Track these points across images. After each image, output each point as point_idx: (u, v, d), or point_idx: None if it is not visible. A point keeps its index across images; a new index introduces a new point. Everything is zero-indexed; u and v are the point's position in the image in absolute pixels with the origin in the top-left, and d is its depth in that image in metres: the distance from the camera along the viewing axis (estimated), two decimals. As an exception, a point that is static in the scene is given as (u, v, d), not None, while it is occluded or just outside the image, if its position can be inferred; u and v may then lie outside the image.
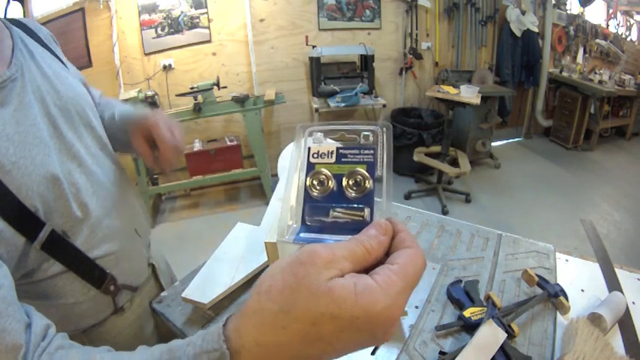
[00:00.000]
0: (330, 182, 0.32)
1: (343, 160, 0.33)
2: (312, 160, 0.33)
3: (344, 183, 0.32)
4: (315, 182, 0.32)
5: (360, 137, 0.34)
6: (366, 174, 0.32)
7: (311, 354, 0.26)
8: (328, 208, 0.31)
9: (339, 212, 0.31)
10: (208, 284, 0.73)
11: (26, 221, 0.50)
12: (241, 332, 0.27)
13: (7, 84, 0.52)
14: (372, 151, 0.32)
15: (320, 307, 0.25)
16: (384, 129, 0.33)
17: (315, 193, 0.32)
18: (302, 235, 0.31)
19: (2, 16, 0.62)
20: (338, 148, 0.33)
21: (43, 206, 0.52)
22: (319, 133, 0.34)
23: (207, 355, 0.28)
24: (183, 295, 0.71)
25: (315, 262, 0.26)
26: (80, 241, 0.58)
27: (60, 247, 0.55)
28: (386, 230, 0.29)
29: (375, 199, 0.31)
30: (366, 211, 0.31)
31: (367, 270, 0.27)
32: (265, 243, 0.60)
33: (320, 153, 0.33)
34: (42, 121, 0.55)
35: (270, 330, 0.26)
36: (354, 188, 0.32)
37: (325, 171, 0.32)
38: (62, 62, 0.69)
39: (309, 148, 0.33)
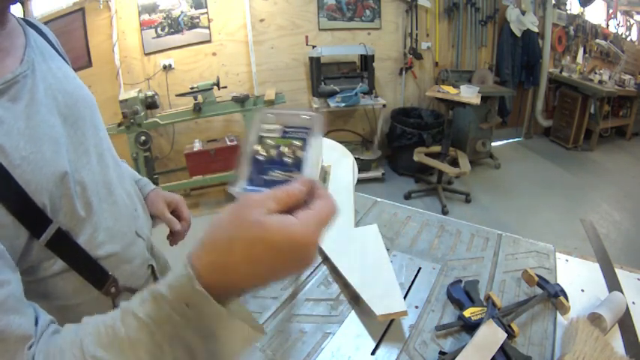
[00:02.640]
0: (272, 150, 0.41)
1: (286, 136, 0.42)
2: (262, 134, 0.42)
3: (283, 150, 0.41)
4: (261, 148, 0.41)
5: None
6: (300, 145, 0.41)
7: (256, 273, 0.34)
8: (270, 170, 0.40)
9: (278, 173, 0.40)
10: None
11: (34, 217, 0.50)
12: (200, 259, 0.34)
13: (20, 79, 0.53)
14: (307, 130, 0.42)
15: (253, 233, 0.32)
16: (318, 116, 0.44)
17: (261, 158, 0.41)
18: (247, 187, 0.40)
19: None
20: (283, 127, 0.42)
21: (51, 203, 0.52)
22: (270, 115, 0.44)
23: (178, 280, 0.34)
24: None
25: (249, 204, 0.34)
26: (83, 240, 0.57)
27: (64, 246, 0.55)
28: (304, 183, 0.37)
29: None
30: (297, 173, 0.39)
31: (291, 213, 0.35)
32: None
33: (269, 129, 0.43)
34: (53, 118, 0.56)
35: (221, 253, 0.34)
36: (290, 156, 0.41)
37: (270, 141, 0.41)
38: (68, 64, 0.70)
39: (262, 125, 0.43)
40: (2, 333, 0.38)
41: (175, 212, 0.83)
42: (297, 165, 0.40)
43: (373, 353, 0.62)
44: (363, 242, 0.84)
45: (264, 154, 0.41)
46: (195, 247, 0.36)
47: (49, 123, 0.55)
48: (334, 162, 1.17)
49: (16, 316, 0.39)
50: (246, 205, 0.34)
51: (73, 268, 0.57)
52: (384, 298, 0.67)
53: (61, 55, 0.69)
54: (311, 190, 0.37)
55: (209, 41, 2.98)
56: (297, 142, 0.41)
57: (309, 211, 0.35)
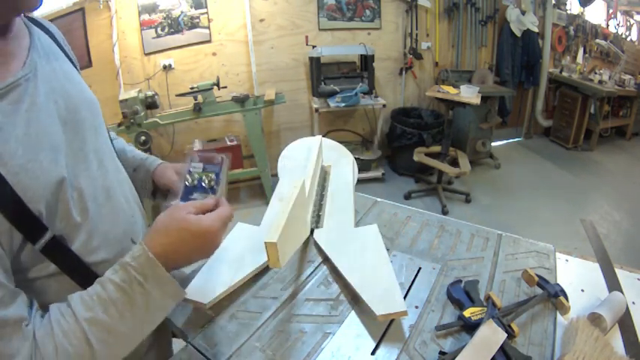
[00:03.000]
0: (195, 180, 0.65)
1: (206, 170, 0.66)
2: (190, 169, 0.66)
3: (203, 180, 0.65)
4: (189, 178, 0.65)
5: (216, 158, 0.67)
6: (214, 177, 0.65)
7: (183, 250, 0.55)
8: (194, 191, 0.64)
9: (197, 195, 0.64)
10: (208, 284, 0.73)
11: (29, 224, 0.50)
12: (152, 241, 0.54)
13: (22, 82, 0.52)
14: (219, 167, 0.66)
15: (181, 224, 0.55)
16: (225, 157, 0.67)
17: (189, 184, 0.65)
18: (179, 202, 0.62)
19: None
20: (204, 165, 0.66)
21: (47, 210, 0.52)
22: (197, 156, 0.67)
23: (137, 252, 0.53)
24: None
25: (179, 207, 0.57)
26: (76, 245, 0.57)
27: (58, 252, 0.55)
28: (214, 200, 0.61)
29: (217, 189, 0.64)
30: (211, 195, 0.63)
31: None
32: (265, 243, 0.60)
33: (195, 166, 0.66)
34: (53, 123, 0.56)
35: (161, 237, 0.54)
36: (206, 183, 0.64)
37: (195, 174, 0.65)
38: (73, 64, 0.70)
39: (191, 163, 0.67)
40: (16, 322, 0.46)
41: None
42: (212, 189, 0.64)
43: (373, 353, 0.62)
44: (363, 242, 0.84)
45: (191, 182, 0.65)
46: (146, 234, 0.56)
47: (49, 129, 0.54)
48: (334, 162, 1.17)
49: (11, 306, 0.47)
50: (177, 209, 0.57)
51: (65, 273, 0.57)
52: (384, 298, 0.67)
53: (67, 54, 0.69)
54: (217, 203, 0.60)
55: (209, 41, 2.98)
56: (211, 175, 0.65)
57: (214, 212, 0.58)
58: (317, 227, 0.91)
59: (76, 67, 0.70)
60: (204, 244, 0.56)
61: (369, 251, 0.81)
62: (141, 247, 0.52)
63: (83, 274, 0.58)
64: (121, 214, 0.67)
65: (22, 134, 0.50)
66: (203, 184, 0.64)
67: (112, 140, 0.76)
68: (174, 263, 0.55)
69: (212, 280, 0.74)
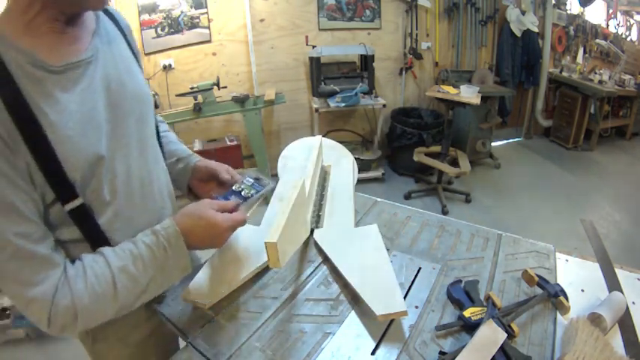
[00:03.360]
0: (240, 188, 0.78)
1: (253, 185, 0.80)
2: (244, 180, 0.81)
3: (245, 191, 0.78)
4: (238, 185, 0.79)
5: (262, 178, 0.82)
6: (253, 193, 0.78)
7: (199, 234, 0.66)
8: (232, 195, 0.77)
9: (234, 198, 0.75)
10: (208, 284, 0.73)
11: (63, 188, 0.56)
12: (179, 219, 0.66)
13: (82, 64, 0.59)
14: (262, 188, 0.80)
15: (201, 213, 0.66)
16: (272, 187, 0.83)
17: (234, 188, 0.78)
18: (219, 197, 0.75)
19: None
20: (253, 182, 0.81)
21: (81, 180, 0.58)
22: (254, 174, 0.83)
23: (167, 224, 0.65)
24: (183, 295, 0.72)
25: (204, 202, 0.69)
26: (102, 220, 0.63)
27: (84, 219, 0.61)
28: (233, 204, 0.72)
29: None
30: (243, 203, 0.75)
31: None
32: (265, 243, 0.60)
33: (248, 180, 0.81)
34: (102, 106, 0.61)
35: (187, 219, 0.66)
36: (246, 195, 0.77)
37: (243, 185, 0.79)
38: (135, 57, 0.75)
39: (247, 177, 0.82)
40: (45, 257, 0.55)
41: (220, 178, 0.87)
42: (245, 199, 0.76)
43: (373, 353, 0.62)
44: (363, 242, 0.84)
45: (237, 188, 0.78)
46: (176, 214, 0.68)
47: (98, 110, 0.60)
48: (334, 162, 1.17)
49: (42, 243, 0.55)
50: (204, 202, 0.69)
51: (87, 241, 0.62)
52: (384, 298, 0.67)
53: (131, 46, 0.74)
54: (235, 208, 0.72)
55: (209, 41, 2.98)
56: (253, 190, 0.78)
57: (230, 214, 0.69)
58: (317, 227, 0.91)
59: (137, 61, 0.75)
60: (214, 235, 0.66)
61: (369, 251, 0.81)
62: (171, 221, 0.65)
63: (103, 246, 0.63)
64: (150, 205, 0.72)
65: (75, 110, 0.56)
66: (242, 193, 0.77)
67: (158, 133, 0.81)
68: (189, 242, 0.65)
69: (212, 280, 0.74)
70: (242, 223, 0.69)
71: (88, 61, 0.60)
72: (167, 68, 2.92)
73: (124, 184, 0.65)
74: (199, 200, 0.71)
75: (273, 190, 0.81)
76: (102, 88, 0.61)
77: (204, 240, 0.66)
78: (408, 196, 3.15)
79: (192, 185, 0.87)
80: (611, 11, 4.53)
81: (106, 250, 0.61)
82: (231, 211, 0.70)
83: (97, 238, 0.62)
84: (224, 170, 0.84)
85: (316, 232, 0.89)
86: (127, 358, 0.78)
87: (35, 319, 0.55)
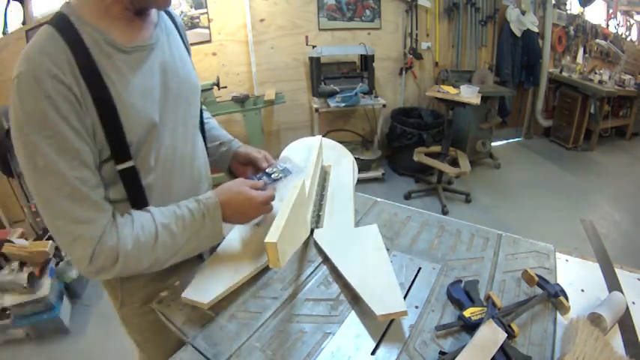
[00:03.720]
0: (272, 170, 0.89)
1: (283, 170, 0.90)
2: (277, 164, 0.92)
3: (275, 174, 0.88)
4: (272, 168, 0.90)
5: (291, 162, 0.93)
6: (282, 176, 0.88)
7: (235, 207, 0.76)
8: (264, 176, 0.88)
9: (265, 178, 0.87)
10: (208, 284, 0.73)
11: (120, 149, 0.66)
12: (219, 192, 0.76)
13: (146, 49, 0.70)
14: (290, 173, 0.90)
15: (239, 188, 0.77)
16: (298, 172, 0.92)
17: (268, 170, 0.90)
18: (252, 177, 0.87)
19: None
20: (285, 167, 0.91)
21: (136, 144, 0.68)
22: (288, 160, 0.94)
23: (208, 194, 0.75)
24: (183, 295, 0.72)
25: (240, 180, 0.81)
26: (144, 183, 0.72)
27: (131, 180, 0.69)
28: (263, 183, 0.84)
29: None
30: (272, 183, 0.86)
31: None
32: (265, 243, 0.60)
33: (280, 165, 0.92)
34: (158, 86, 0.72)
35: (226, 193, 0.76)
36: (275, 177, 0.88)
37: (275, 168, 0.90)
38: (187, 50, 0.86)
39: (279, 162, 0.94)
40: (97, 202, 0.64)
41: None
42: (274, 180, 0.87)
43: (373, 353, 0.62)
44: (363, 242, 0.84)
45: (269, 170, 0.90)
46: (217, 188, 0.77)
47: (155, 87, 0.71)
48: (334, 162, 1.17)
49: (95, 190, 0.64)
50: (238, 181, 0.80)
51: (130, 201, 0.71)
52: (384, 298, 0.67)
53: (184, 41, 0.85)
54: (266, 187, 0.83)
55: (209, 41, 2.98)
56: (282, 174, 0.89)
57: (262, 191, 0.79)
58: (317, 227, 0.91)
59: (189, 53, 0.86)
60: (248, 208, 0.77)
61: (369, 251, 0.81)
62: (212, 193, 0.75)
63: (142, 207, 0.72)
64: (188, 178, 0.82)
65: (138, 84, 0.67)
66: (272, 176, 0.88)
67: (202, 119, 0.92)
68: (225, 214, 0.75)
69: (212, 280, 0.74)
70: (272, 198, 0.80)
71: (151, 47, 0.71)
72: (167, 68, 2.92)
73: (167, 156, 0.75)
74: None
75: (298, 176, 0.90)
76: (159, 72, 0.72)
77: (238, 212, 0.76)
78: (408, 196, 3.15)
79: (232, 167, 1.01)
80: (611, 11, 4.53)
81: (152, 208, 0.71)
82: (262, 189, 0.81)
83: (138, 200, 0.71)
84: (262, 158, 0.95)
85: (316, 232, 0.89)
86: (151, 324, 0.81)
87: (77, 256, 0.62)
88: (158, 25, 0.75)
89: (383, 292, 0.69)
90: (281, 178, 0.88)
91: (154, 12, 0.75)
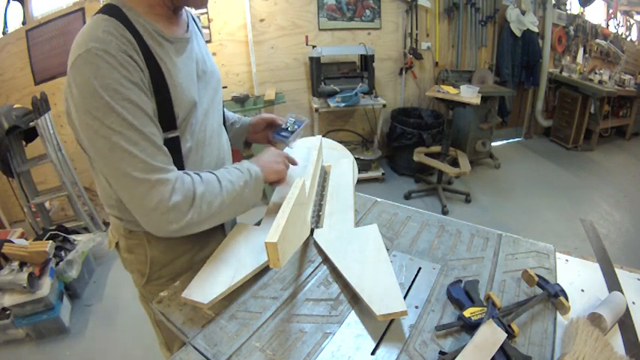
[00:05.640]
0: (286, 124, 1.07)
1: (295, 122, 1.08)
2: (287, 119, 1.09)
3: (289, 125, 1.06)
4: (285, 122, 1.08)
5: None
6: (295, 127, 1.06)
7: (270, 158, 0.93)
8: (283, 131, 1.06)
9: (283, 132, 1.06)
10: (208, 284, 0.73)
11: (169, 120, 0.75)
12: (255, 161, 0.90)
13: (185, 41, 0.81)
14: (301, 123, 1.08)
15: (269, 150, 0.96)
16: (307, 120, 1.09)
17: (282, 125, 1.08)
18: (275, 135, 1.07)
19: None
20: (295, 120, 1.08)
21: (181, 117, 0.77)
22: (294, 115, 1.10)
23: (243, 162, 0.87)
24: (183, 295, 0.72)
25: (272, 149, 0.98)
26: (183, 151, 0.80)
27: (174, 148, 0.76)
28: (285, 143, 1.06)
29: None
30: (289, 134, 1.05)
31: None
32: (265, 243, 0.60)
33: (290, 119, 1.09)
34: (194, 72, 0.83)
35: (261, 155, 0.93)
36: (290, 127, 1.06)
37: (287, 122, 1.08)
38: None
39: (289, 117, 1.10)
40: (167, 154, 0.73)
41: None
42: (291, 132, 1.04)
43: (373, 353, 0.62)
44: (363, 242, 0.84)
45: (284, 125, 1.07)
46: (259, 155, 0.92)
47: (193, 73, 0.82)
48: (334, 162, 1.17)
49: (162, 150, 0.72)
50: (272, 149, 0.96)
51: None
52: (384, 298, 0.67)
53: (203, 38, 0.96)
54: (287, 140, 1.04)
55: (209, 41, 2.98)
56: (295, 125, 1.06)
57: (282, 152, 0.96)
58: (317, 227, 0.91)
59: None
60: (275, 157, 0.93)
61: (369, 251, 0.80)
62: (252, 164, 0.86)
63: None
64: (215, 152, 0.90)
65: (182, 68, 0.77)
66: (288, 128, 1.05)
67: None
68: (262, 166, 0.87)
69: (212, 280, 0.74)
70: (285, 154, 0.97)
71: (188, 40, 0.82)
72: (167, 68, 2.92)
73: (201, 130, 0.84)
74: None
75: (308, 123, 1.09)
76: (193, 61, 0.83)
77: (270, 162, 0.90)
78: (408, 196, 3.15)
79: (248, 138, 1.12)
80: (611, 11, 4.53)
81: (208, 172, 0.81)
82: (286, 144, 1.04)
83: (178, 167, 0.76)
84: (276, 117, 1.10)
85: (316, 232, 0.89)
86: None
87: (156, 199, 0.68)
88: (190, 21, 0.86)
89: (383, 292, 0.69)
90: (296, 128, 1.04)
91: (184, 11, 0.85)
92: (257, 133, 1.11)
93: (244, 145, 1.14)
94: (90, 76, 0.63)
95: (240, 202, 0.80)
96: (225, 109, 1.14)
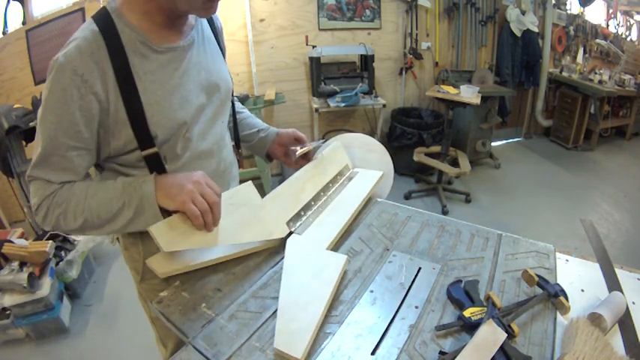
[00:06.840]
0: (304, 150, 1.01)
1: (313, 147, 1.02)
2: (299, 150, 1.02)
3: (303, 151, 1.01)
4: (299, 148, 1.01)
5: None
6: (311, 149, 1.01)
7: (177, 187, 0.71)
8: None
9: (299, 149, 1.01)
10: (173, 258, 0.76)
11: (144, 138, 0.73)
12: (159, 178, 0.74)
13: (178, 50, 0.76)
14: (320, 143, 1.06)
15: (194, 172, 0.74)
16: (322, 144, 1.07)
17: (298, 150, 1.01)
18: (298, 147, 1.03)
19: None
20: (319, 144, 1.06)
21: (161, 136, 0.74)
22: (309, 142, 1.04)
23: (145, 183, 0.72)
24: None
25: (198, 171, 0.78)
26: (169, 168, 0.78)
27: (154, 164, 0.76)
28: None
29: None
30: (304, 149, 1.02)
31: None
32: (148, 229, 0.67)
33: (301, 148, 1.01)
34: (192, 84, 0.78)
35: (177, 174, 0.75)
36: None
37: (305, 149, 1.01)
38: (222, 52, 0.93)
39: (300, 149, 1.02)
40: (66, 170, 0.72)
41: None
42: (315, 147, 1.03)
43: (373, 353, 0.62)
44: (319, 269, 0.76)
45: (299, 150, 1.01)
46: (168, 174, 0.77)
47: (187, 86, 0.77)
48: (366, 167, 1.11)
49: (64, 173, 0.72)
50: (198, 172, 0.76)
51: None
52: (290, 336, 0.62)
53: (220, 43, 0.92)
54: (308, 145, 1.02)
55: (209, 41, 2.98)
56: (309, 149, 1.00)
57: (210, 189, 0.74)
58: (295, 232, 0.86)
59: (223, 55, 0.93)
60: (185, 190, 0.71)
61: (317, 282, 0.73)
62: (153, 188, 0.73)
63: None
64: (213, 166, 0.87)
65: (166, 82, 0.73)
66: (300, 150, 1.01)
67: (234, 111, 1.03)
68: (160, 193, 0.73)
69: (177, 254, 0.77)
70: (216, 194, 0.74)
71: (184, 49, 0.77)
72: (167, 68, 2.92)
73: (195, 146, 0.81)
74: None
75: (318, 146, 1.06)
76: (195, 72, 0.79)
77: (175, 187, 0.72)
78: (408, 196, 3.15)
79: (270, 150, 1.06)
80: (611, 11, 4.53)
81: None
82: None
83: None
84: (304, 137, 1.05)
85: (292, 237, 0.85)
86: None
87: (32, 200, 0.72)
88: (195, 29, 0.81)
89: (297, 328, 0.63)
90: (309, 145, 1.00)
91: (192, 17, 0.81)
92: (280, 146, 1.05)
93: (266, 156, 1.09)
94: (48, 81, 0.68)
95: (120, 220, 0.73)
96: (249, 114, 1.14)
